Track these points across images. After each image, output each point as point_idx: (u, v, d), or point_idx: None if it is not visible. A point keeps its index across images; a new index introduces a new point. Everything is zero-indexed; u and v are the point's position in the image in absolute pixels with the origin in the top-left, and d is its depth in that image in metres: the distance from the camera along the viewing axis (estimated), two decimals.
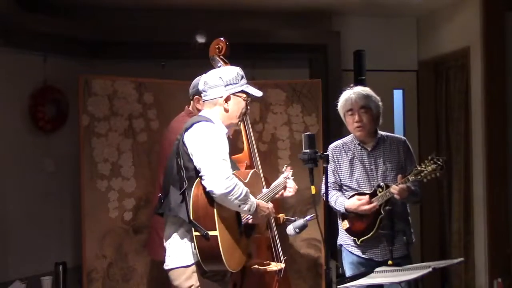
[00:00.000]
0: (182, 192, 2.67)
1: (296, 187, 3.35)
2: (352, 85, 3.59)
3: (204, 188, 2.61)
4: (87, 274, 4.13)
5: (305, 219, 3.23)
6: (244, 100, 2.90)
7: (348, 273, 3.48)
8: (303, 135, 2.81)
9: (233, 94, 2.85)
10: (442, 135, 5.62)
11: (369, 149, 3.45)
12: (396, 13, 5.57)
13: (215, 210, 2.59)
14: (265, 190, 3.13)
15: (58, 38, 4.69)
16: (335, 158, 3.52)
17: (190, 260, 2.71)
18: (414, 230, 3.48)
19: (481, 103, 4.82)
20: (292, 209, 4.40)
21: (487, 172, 4.77)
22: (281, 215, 3.79)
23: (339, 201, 3.44)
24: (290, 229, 3.23)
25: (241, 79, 2.89)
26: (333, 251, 4.76)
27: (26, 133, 4.68)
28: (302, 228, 3.22)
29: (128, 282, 4.27)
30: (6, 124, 4.54)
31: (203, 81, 2.91)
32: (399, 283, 2.74)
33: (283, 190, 3.28)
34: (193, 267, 2.71)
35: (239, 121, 2.93)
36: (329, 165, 3.48)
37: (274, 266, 3.63)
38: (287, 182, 3.29)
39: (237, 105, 2.87)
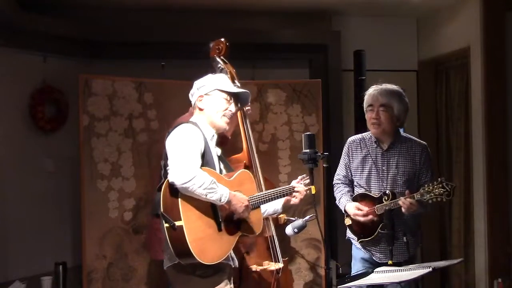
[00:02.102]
0: (158, 188, 2.74)
1: (304, 193, 3.13)
2: (380, 80, 3.47)
3: None
4: (87, 274, 4.13)
5: (304, 219, 3.22)
6: (223, 98, 2.93)
7: (353, 268, 3.49)
8: (303, 135, 2.81)
9: (205, 94, 2.93)
10: (442, 135, 5.62)
11: (384, 148, 3.38)
12: (396, 13, 5.57)
13: (179, 200, 2.64)
14: (261, 192, 3.09)
15: (58, 38, 4.69)
16: (350, 153, 3.48)
17: (175, 258, 2.73)
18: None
19: (481, 103, 4.82)
20: (292, 209, 4.40)
21: (487, 172, 4.76)
22: (282, 216, 3.79)
23: (342, 201, 3.44)
24: (289, 229, 3.23)
25: (216, 80, 2.97)
26: (333, 251, 4.76)
27: (26, 133, 4.68)
28: (301, 228, 3.21)
29: (128, 282, 4.27)
30: (6, 124, 4.54)
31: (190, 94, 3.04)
32: (399, 283, 2.75)
33: (289, 196, 3.12)
34: (183, 265, 2.73)
35: (221, 119, 2.93)
36: (343, 158, 3.51)
37: (272, 266, 3.63)
38: (294, 188, 3.11)
39: (212, 102, 2.92)
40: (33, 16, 4.56)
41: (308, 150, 2.76)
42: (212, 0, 4.95)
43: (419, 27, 5.80)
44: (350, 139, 3.54)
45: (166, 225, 2.64)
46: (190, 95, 3.02)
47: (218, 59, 3.68)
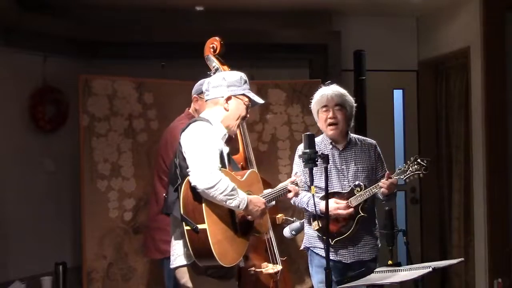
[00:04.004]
0: (175, 189, 2.71)
1: (298, 189, 3.18)
2: (329, 81, 3.54)
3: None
4: (87, 274, 4.13)
5: (301, 221, 3.21)
6: (245, 104, 2.90)
7: (317, 277, 3.36)
8: (303, 135, 2.81)
9: (234, 96, 2.86)
10: (442, 135, 5.62)
11: (340, 148, 3.41)
12: (396, 13, 5.57)
13: (203, 203, 2.62)
14: (267, 191, 3.11)
15: (58, 38, 4.69)
16: None
17: (191, 258, 2.72)
18: (414, 231, 3.47)
19: (481, 103, 4.82)
20: (291, 209, 4.40)
21: (487, 171, 4.77)
22: (280, 215, 3.79)
23: (313, 202, 3.21)
24: (286, 232, 3.23)
25: (244, 83, 2.91)
26: None
27: (26, 133, 4.68)
28: (299, 230, 3.21)
29: (128, 282, 4.27)
30: (6, 124, 4.54)
31: (207, 82, 2.93)
32: (399, 283, 2.74)
33: (287, 192, 3.13)
34: (197, 265, 2.72)
35: (237, 124, 2.91)
36: (297, 166, 3.45)
37: (270, 269, 3.61)
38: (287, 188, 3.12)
39: (237, 107, 2.88)
40: (33, 16, 4.56)
41: (308, 150, 2.76)
42: (212, 0, 4.95)
43: (419, 27, 5.80)
44: (301, 145, 3.33)
45: (187, 227, 2.61)
46: (210, 85, 2.87)
47: (212, 58, 3.58)
